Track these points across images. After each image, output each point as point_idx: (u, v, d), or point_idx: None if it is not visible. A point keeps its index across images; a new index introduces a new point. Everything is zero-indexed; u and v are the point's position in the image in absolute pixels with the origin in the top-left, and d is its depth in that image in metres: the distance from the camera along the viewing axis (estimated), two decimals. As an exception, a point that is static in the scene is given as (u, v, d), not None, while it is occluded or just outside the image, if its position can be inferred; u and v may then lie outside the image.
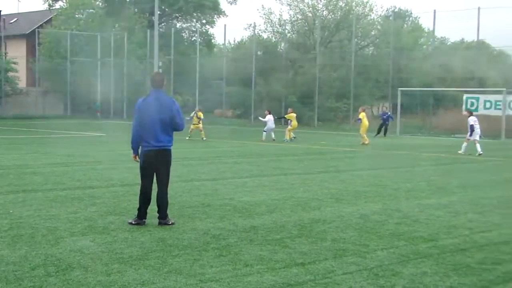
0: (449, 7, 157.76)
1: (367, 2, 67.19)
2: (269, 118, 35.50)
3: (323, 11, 68.22)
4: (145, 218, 10.54)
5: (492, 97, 47.97)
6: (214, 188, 15.20)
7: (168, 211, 10.62)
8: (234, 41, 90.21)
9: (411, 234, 10.13)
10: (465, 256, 8.72)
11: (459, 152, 27.76)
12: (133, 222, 10.51)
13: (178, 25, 75.10)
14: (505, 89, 47.17)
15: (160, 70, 61.11)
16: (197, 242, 9.29)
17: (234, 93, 65.94)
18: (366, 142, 33.74)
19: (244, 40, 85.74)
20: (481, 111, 46.35)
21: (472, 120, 28.18)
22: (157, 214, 10.59)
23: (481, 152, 27.05)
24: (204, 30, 72.35)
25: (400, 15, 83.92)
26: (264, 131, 35.21)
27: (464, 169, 21.49)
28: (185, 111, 68.56)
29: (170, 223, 10.52)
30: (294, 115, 36.66)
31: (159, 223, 10.49)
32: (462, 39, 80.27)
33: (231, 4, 73.95)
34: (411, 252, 8.90)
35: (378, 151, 28.96)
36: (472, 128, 27.94)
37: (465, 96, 50.02)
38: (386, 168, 21.34)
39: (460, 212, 12.33)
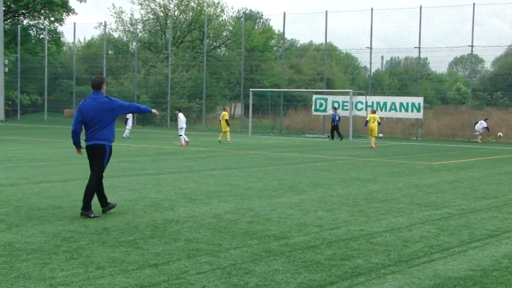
0: (298, 10, 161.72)
1: (218, 3, 67.78)
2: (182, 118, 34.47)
3: (175, 11, 68.25)
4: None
5: (340, 98, 49.63)
6: (64, 189, 14.83)
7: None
8: (84, 39, 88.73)
9: (263, 232, 10.27)
10: (315, 253, 8.93)
11: None
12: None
13: (25, 22, 72.84)
14: (351, 90, 48.90)
15: (6, 69, 59.13)
16: (47, 245, 9.02)
17: (85, 93, 64.71)
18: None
19: (94, 39, 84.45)
20: (330, 111, 47.86)
21: None
22: (4, 217, 10.25)
23: None
24: (52, 28, 70.46)
25: (251, 17, 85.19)
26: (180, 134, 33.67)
27: (314, 168, 22.03)
28: (34, 110, 66.52)
29: (92, 216, 11.07)
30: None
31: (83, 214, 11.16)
32: (311, 41, 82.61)
33: (80, 2, 72.36)
34: (263, 251, 9.01)
35: (230, 151, 29.21)
36: None
37: (314, 97, 51.47)
38: (239, 167, 21.55)
39: (310, 210, 12.63)
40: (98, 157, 11.48)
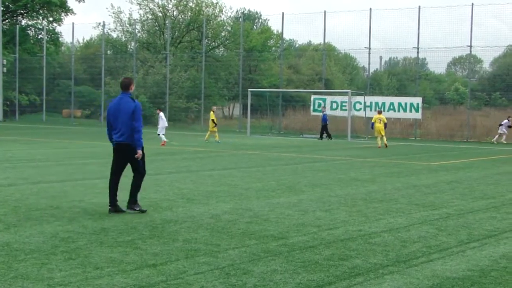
0: (296, 10, 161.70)
1: (216, 3, 67.75)
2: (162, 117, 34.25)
3: (174, 11, 68.18)
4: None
5: (338, 98, 49.68)
6: (63, 190, 14.82)
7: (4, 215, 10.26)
8: (83, 39, 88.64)
9: (261, 232, 10.27)
10: (314, 253, 8.93)
11: None
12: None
13: (23, 22, 72.77)
14: (350, 90, 48.90)
15: (5, 69, 59.11)
16: (45, 245, 9.01)
17: (83, 93, 64.69)
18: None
19: (93, 39, 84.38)
20: (328, 111, 47.90)
21: None
22: (2, 217, 10.27)
23: None
24: (51, 28, 70.38)
25: (249, 17, 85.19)
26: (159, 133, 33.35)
27: (313, 168, 22.03)
28: (32, 110, 66.32)
29: (138, 209, 11.77)
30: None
31: (129, 208, 11.87)
32: (309, 41, 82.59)
33: (79, 2, 72.27)
34: (261, 251, 9.01)
35: (229, 151, 29.21)
36: None
37: (312, 97, 51.49)
38: (237, 168, 21.55)
39: (309, 210, 12.62)
40: (126, 156, 11.96)
